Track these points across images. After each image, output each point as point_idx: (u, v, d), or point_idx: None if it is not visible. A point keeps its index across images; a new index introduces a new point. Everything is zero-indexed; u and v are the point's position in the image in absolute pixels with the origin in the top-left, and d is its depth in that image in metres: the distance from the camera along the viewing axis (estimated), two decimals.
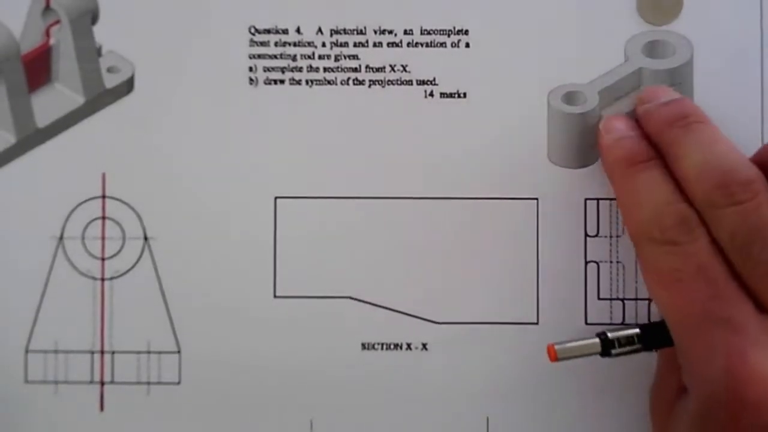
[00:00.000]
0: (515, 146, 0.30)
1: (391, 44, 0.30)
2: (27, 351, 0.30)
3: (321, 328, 0.30)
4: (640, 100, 0.28)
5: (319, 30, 0.30)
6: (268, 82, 0.30)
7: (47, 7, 0.30)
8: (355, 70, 0.30)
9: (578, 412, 0.30)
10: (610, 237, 0.30)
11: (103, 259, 0.30)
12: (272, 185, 0.30)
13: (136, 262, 0.30)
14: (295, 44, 0.30)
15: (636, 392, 0.30)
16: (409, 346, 0.30)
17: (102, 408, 0.30)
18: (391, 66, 0.30)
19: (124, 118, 0.30)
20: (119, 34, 0.30)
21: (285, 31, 0.30)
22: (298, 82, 0.30)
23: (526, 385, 0.30)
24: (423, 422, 0.30)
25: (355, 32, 0.30)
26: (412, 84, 0.30)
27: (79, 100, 0.31)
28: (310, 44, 0.30)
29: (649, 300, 0.30)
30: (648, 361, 0.29)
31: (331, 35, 0.30)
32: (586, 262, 0.30)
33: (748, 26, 0.30)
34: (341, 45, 0.30)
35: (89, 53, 0.30)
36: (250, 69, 0.30)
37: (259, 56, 0.30)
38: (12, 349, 0.30)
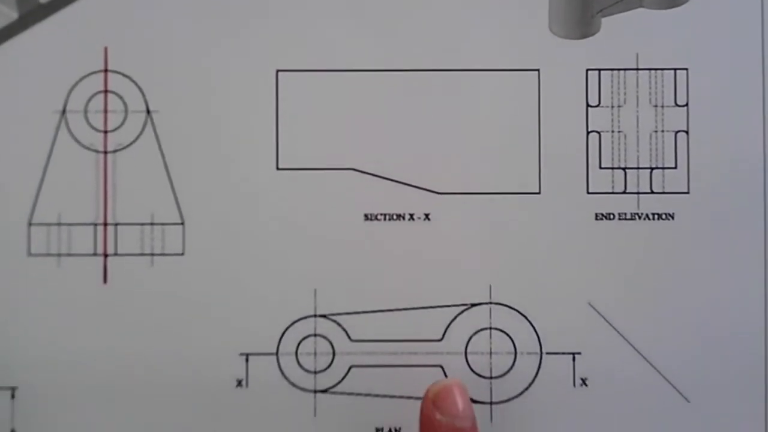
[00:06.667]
0: (515, 16, 0.30)
1: None
2: (30, 224, 0.30)
3: (323, 200, 0.30)
4: (435, 398, 0.27)
5: None
6: None
7: None
8: None
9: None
10: (612, 107, 0.30)
11: (105, 132, 0.30)
12: (274, 58, 0.30)
13: (139, 135, 0.30)
14: None
15: None
16: (411, 216, 0.30)
17: (105, 280, 0.30)
18: None
19: None
20: None
21: None
22: None
23: (528, 252, 0.30)
24: (426, 290, 0.30)
25: None
26: None
27: None
28: None
29: (651, 168, 0.30)
30: None
31: None
32: (588, 132, 0.30)
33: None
34: None
35: None
36: None
37: None
38: (15, 223, 0.30)
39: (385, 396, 0.30)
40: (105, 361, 0.30)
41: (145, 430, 0.30)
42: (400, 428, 0.30)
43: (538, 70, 0.30)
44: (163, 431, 0.30)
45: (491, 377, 0.30)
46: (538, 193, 0.30)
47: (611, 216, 0.30)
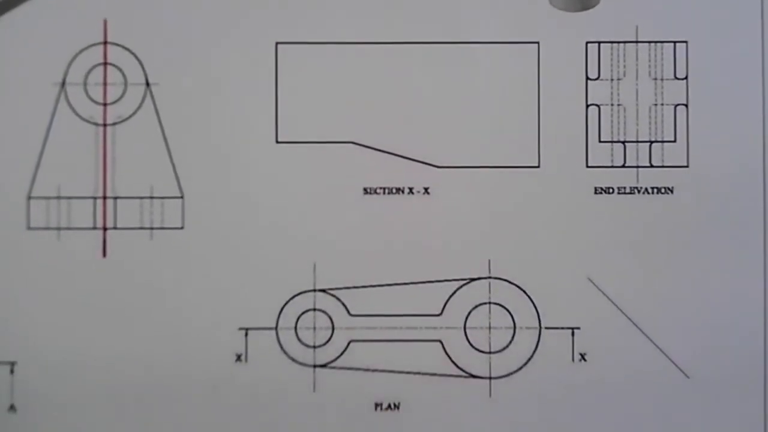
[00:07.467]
0: None
1: None
2: (29, 198, 0.30)
3: (323, 173, 0.30)
4: None
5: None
6: None
7: None
8: None
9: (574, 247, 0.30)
10: (611, 80, 0.30)
11: (105, 105, 0.30)
12: (273, 30, 0.30)
13: (138, 107, 0.30)
14: None
15: None
16: (411, 190, 0.30)
17: (105, 254, 0.30)
18: None
19: None
20: None
21: None
22: None
23: (528, 227, 0.30)
24: (425, 264, 0.30)
25: None
26: None
27: None
28: None
29: (651, 142, 0.30)
30: None
31: None
32: (587, 106, 0.30)
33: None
34: None
35: None
36: None
37: None
38: (14, 196, 0.30)
39: (384, 371, 0.30)
40: (104, 335, 0.30)
41: (143, 404, 0.30)
42: (399, 403, 0.30)
43: (537, 42, 0.30)
44: (162, 405, 0.30)
45: (490, 352, 0.30)
46: (538, 166, 0.30)
47: (610, 190, 0.30)
